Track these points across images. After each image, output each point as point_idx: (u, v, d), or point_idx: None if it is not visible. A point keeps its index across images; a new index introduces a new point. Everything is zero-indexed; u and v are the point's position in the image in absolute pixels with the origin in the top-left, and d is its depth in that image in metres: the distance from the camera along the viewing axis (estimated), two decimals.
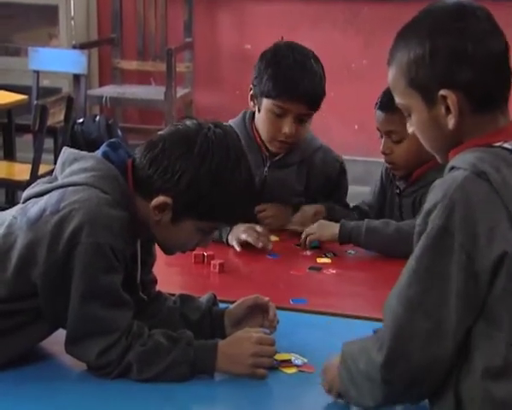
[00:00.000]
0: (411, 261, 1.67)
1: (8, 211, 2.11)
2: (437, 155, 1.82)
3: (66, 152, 2.11)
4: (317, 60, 2.94)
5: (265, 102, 2.91)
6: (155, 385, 1.96)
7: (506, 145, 1.69)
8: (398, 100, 1.80)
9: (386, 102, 2.86)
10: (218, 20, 6.48)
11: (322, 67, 2.95)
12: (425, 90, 1.72)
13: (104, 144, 2.10)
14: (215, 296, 2.24)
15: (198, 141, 2.00)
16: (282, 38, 3.02)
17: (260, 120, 2.98)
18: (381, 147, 2.94)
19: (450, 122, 1.71)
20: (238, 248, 2.80)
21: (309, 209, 3.03)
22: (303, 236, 2.88)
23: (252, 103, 2.99)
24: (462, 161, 1.68)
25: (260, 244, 2.80)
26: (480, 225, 1.61)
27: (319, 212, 3.00)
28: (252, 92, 2.98)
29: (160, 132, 2.07)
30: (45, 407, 1.88)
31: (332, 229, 2.85)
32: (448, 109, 1.70)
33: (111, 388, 1.95)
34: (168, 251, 2.14)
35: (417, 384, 1.69)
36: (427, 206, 1.67)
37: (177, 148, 2.00)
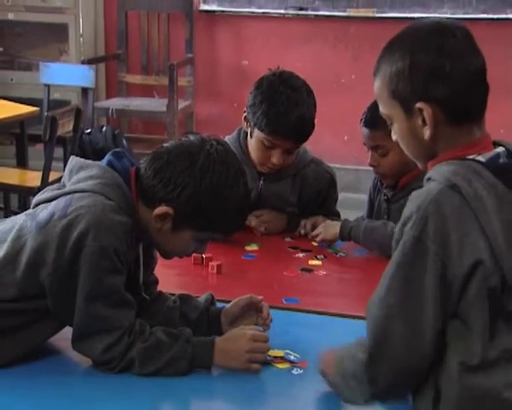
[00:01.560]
0: (390, 269, 1.68)
1: (18, 216, 2.10)
2: (417, 162, 1.82)
3: (74, 161, 2.10)
4: (309, 91, 2.93)
5: (257, 133, 2.91)
6: (156, 379, 1.95)
7: (479, 158, 1.68)
8: (381, 109, 1.80)
9: (371, 119, 2.89)
10: (216, 37, 6.48)
11: (313, 95, 2.94)
12: (404, 102, 1.72)
13: (109, 154, 2.09)
14: (213, 296, 2.23)
15: (200, 157, 1.99)
16: (278, 67, 3.00)
17: (251, 145, 2.98)
18: (369, 160, 2.95)
19: (426, 133, 1.71)
20: None
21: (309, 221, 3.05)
22: (308, 227, 3.00)
23: (245, 124, 2.99)
24: (438, 174, 1.68)
25: (253, 223, 2.92)
26: (452, 234, 1.61)
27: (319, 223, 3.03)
28: (245, 115, 2.97)
29: (165, 145, 2.06)
30: (53, 399, 1.87)
31: (334, 229, 2.91)
32: (424, 121, 1.70)
33: (114, 382, 1.94)
34: (166, 256, 2.14)
35: (400, 383, 1.70)
36: (403, 216, 1.68)
37: (180, 161, 2.00)
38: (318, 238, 2.93)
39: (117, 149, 2.12)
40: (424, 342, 1.64)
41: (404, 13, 5.93)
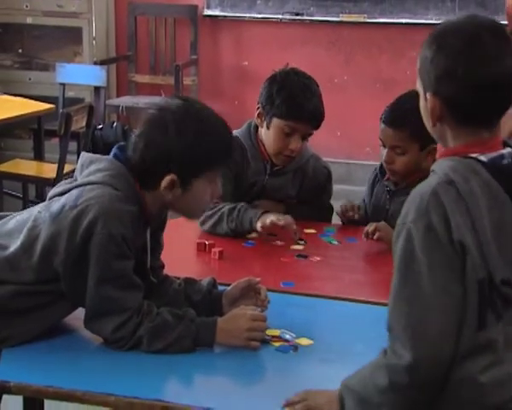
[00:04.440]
0: (410, 264, 1.59)
1: (35, 207, 2.10)
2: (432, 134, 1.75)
3: (84, 156, 2.10)
4: (317, 84, 2.94)
5: (276, 122, 2.89)
6: (162, 356, 1.95)
7: (481, 157, 1.63)
8: (417, 82, 1.73)
9: (396, 119, 2.78)
10: (219, 40, 6.47)
11: (320, 90, 2.94)
12: (423, 87, 1.69)
13: (115, 147, 2.09)
14: (215, 280, 2.23)
15: (169, 120, 2.00)
16: (288, 64, 3.00)
17: (269, 137, 2.94)
18: (384, 157, 2.84)
19: (429, 121, 1.69)
20: (259, 229, 2.76)
21: None
22: (371, 229, 2.75)
23: (259, 120, 2.96)
24: (439, 168, 1.64)
25: (282, 222, 2.74)
26: (452, 220, 1.57)
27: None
28: (259, 111, 2.94)
29: (136, 134, 2.05)
30: (68, 373, 1.88)
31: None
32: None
33: (124, 358, 1.94)
34: (194, 216, 2.14)
35: (439, 378, 1.59)
36: (405, 209, 1.63)
37: (156, 136, 2.00)
38: (380, 235, 2.73)
39: (122, 143, 2.11)
40: (455, 325, 1.58)
41: (393, 18, 5.91)
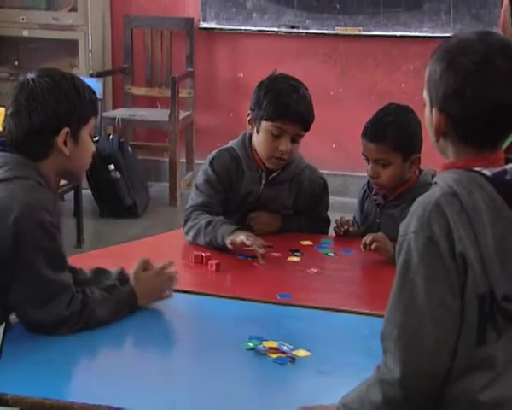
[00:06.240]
0: (408, 274, 1.58)
1: None
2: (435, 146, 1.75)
3: None
4: (306, 88, 2.95)
5: (265, 125, 2.89)
6: (159, 368, 1.94)
7: (485, 171, 1.62)
8: (424, 92, 1.73)
9: (376, 133, 2.82)
10: (215, 53, 6.47)
11: (310, 94, 2.94)
12: (430, 100, 1.69)
13: None
14: (123, 269, 2.28)
15: (37, 87, 2.07)
16: (276, 69, 3.02)
17: (259, 141, 2.94)
18: (369, 172, 2.88)
19: (432, 135, 1.69)
20: (229, 246, 2.74)
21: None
22: (368, 239, 2.73)
23: (250, 127, 2.97)
24: (443, 180, 1.63)
25: (250, 242, 2.69)
26: (454, 233, 1.56)
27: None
28: (250, 117, 2.95)
29: (7, 117, 2.09)
30: (66, 386, 1.88)
31: (392, 249, 2.63)
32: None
33: (122, 370, 1.94)
34: (84, 170, 2.22)
35: (433, 390, 1.58)
36: (407, 219, 1.62)
37: (33, 104, 2.06)
38: (378, 245, 2.71)
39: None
40: (450, 338, 1.57)
41: (388, 31, 5.93)
